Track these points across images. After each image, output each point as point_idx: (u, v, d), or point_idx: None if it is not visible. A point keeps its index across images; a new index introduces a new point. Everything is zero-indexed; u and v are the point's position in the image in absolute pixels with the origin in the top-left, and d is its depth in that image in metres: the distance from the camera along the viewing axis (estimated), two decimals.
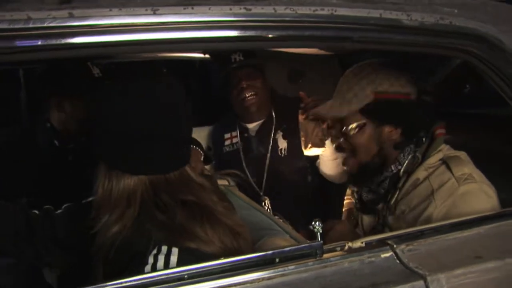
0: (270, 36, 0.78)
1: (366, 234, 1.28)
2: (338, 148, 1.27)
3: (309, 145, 1.48)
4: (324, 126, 1.36)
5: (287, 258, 0.74)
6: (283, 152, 1.89)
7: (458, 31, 0.91)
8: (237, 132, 2.01)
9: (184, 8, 0.72)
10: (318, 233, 0.78)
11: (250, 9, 0.75)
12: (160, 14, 0.71)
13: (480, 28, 0.93)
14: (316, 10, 0.79)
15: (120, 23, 0.70)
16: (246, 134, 1.98)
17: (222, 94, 1.99)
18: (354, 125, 1.20)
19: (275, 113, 1.95)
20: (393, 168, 1.21)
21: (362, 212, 1.31)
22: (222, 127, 2.09)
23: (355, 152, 1.22)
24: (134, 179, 0.84)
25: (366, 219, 1.30)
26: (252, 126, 1.97)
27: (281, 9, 0.77)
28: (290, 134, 1.89)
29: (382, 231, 1.19)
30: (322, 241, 0.76)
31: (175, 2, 0.71)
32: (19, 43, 0.67)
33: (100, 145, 0.87)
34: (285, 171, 1.88)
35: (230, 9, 0.74)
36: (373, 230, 1.24)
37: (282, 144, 1.90)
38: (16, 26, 0.65)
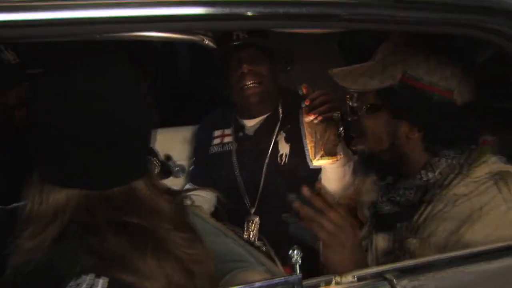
0: (234, 14, 0.83)
1: (379, 261, 1.33)
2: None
3: (321, 153, 1.57)
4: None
5: None
6: (283, 159, 1.98)
7: (479, 5, 0.98)
8: (231, 130, 2.11)
9: None
10: (297, 265, 0.83)
11: None
12: None
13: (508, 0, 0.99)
14: None
15: None
16: (241, 133, 2.07)
17: (214, 81, 2.09)
18: (367, 104, 1.29)
19: (282, 110, 2.04)
20: (422, 175, 1.28)
21: (378, 229, 1.37)
22: (212, 122, 2.19)
23: (364, 136, 1.33)
24: (66, 192, 0.90)
25: (381, 242, 1.35)
26: (251, 123, 2.07)
27: None
28: (293, 136, 1.97)
29: (400, 258, 1.24)
30: (301, 275, 0.81)
31: None
32: None
33: (31, 148, 0.92)
34: (282, 184, 1.95)
35: None
36: (389, 256, 1.30)
37: (284, 148, 1.99)
38: None
